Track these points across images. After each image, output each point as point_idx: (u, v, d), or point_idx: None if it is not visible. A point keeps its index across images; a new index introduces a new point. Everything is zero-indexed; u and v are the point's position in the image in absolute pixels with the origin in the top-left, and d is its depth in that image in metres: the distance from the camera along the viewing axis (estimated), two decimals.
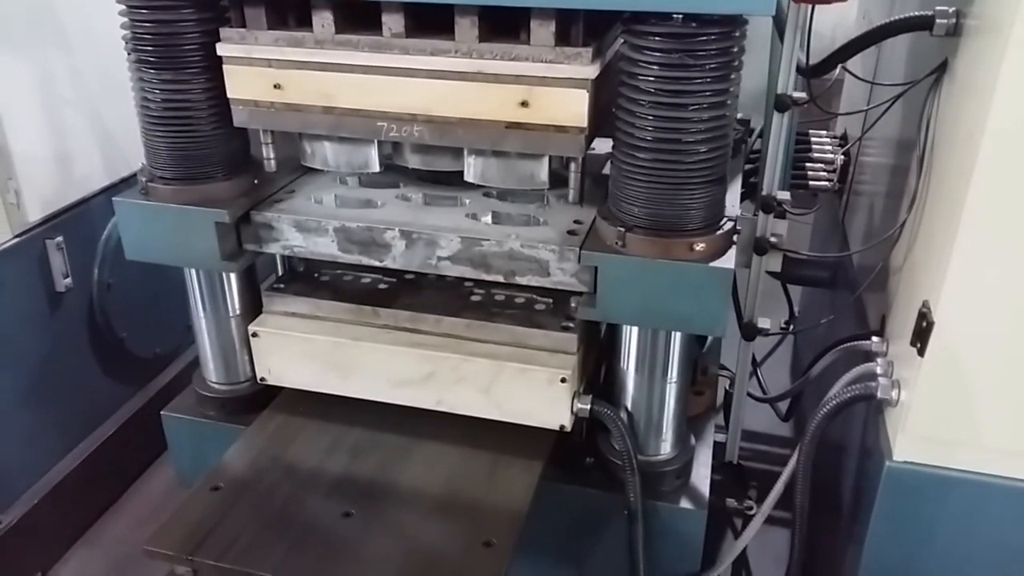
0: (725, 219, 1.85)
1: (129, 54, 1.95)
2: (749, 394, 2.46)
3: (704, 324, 1.86)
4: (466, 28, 1.74)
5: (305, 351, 2.10)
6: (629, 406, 2.08)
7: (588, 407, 1.99)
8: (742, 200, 2.15)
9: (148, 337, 3.29)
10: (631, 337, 2.02)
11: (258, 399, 2.26)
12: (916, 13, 1.85)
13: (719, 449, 2.39)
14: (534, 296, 2.11)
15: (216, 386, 2.36)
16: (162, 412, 2.38)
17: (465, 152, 1.94)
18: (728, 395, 2.50)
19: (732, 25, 1.64)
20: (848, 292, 2.51)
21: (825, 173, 2.74)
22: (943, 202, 1.71)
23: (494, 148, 1.89)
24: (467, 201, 2.10)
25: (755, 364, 2.81)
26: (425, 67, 1.80)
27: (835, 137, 2.92)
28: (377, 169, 2.04)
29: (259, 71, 1.91)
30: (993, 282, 1.56)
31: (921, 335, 1.65)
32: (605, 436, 2.10)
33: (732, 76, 1.70)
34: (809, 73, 2.20)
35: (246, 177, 2.10)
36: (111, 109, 2.97)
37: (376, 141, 1.98)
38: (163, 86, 1.95)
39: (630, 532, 2.05)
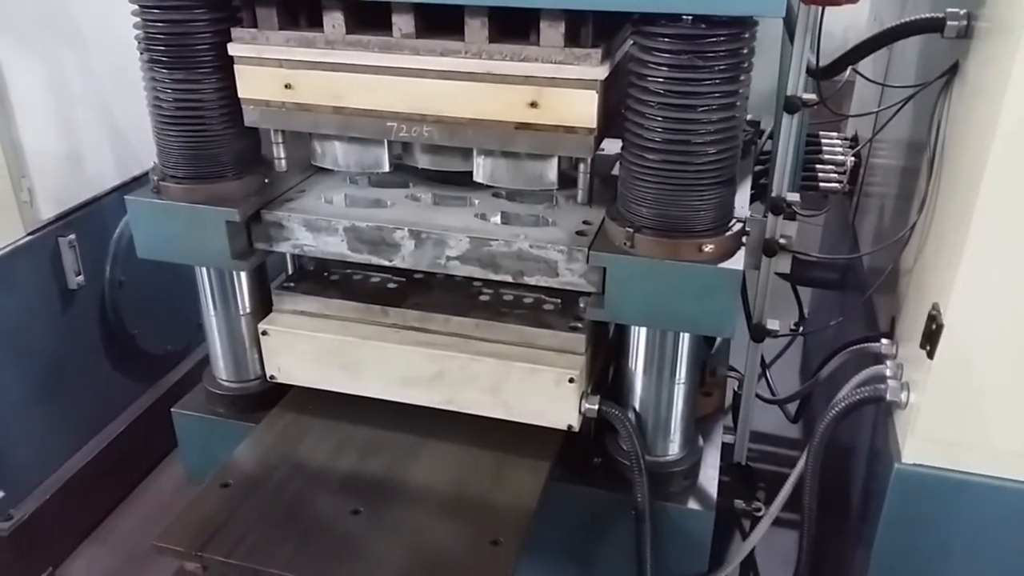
0: (734, 220, 1.84)
1: (141, 54, 1.97)
2: (758, 395, 2.45)
3: (713, 325, 1.86)
4: (476, 29, 1.75)
5: (314, 350, 2.11)
6: (637, 407, 2.08)
7: (596, 407, 1.98)
8: (752, 201, 2.15)
9: (159, 334, 3.31)
10: (639, 338, 2.02)
11: (267, 397, 2.27)
12: (927, 15, 1.84)
13: (727, 450, 2.39)
14: (542, 296, 2.11)
15: (226, 384, 2.37)
16: (172, 409, 2.39)
17: (474, 152, 1.95)
18: (737, 396, 2.50)
19: (742, 26, 1.63)
20: (858, 294, 2.51)
21: (835, 175, 2.74)
22: (953, 204, 1.71)
23: (503, 148, 1.89)
24: (476, 201, 2.11)
25: (764, 365, 2.80)
26: (435, 67, 1.80)
27: (845, 139, 2.92)
28: (387, 169, 2.04)
29: (270, 71, 1.92)
30: (1003, 284, 1.55)
31: (931, 337, 1.65)
32: (613, 436, 2.10)
33: (742, 77, 1.69)
34: (819, 75, 2.19)
35: (257, 176, 2.11)
36: (123, 108, 2.99)
37: (386, 141, 1.99)
38: (175, 86, 1.96)
39: (637, 533, 2.04)
